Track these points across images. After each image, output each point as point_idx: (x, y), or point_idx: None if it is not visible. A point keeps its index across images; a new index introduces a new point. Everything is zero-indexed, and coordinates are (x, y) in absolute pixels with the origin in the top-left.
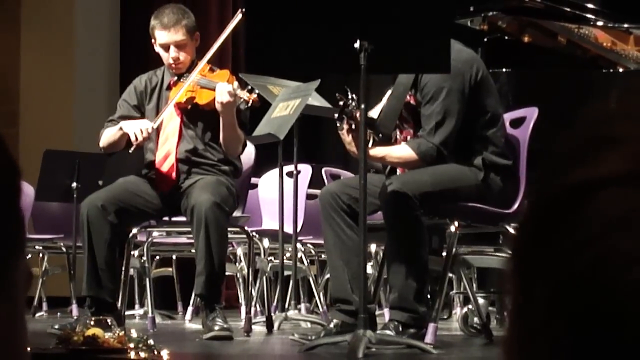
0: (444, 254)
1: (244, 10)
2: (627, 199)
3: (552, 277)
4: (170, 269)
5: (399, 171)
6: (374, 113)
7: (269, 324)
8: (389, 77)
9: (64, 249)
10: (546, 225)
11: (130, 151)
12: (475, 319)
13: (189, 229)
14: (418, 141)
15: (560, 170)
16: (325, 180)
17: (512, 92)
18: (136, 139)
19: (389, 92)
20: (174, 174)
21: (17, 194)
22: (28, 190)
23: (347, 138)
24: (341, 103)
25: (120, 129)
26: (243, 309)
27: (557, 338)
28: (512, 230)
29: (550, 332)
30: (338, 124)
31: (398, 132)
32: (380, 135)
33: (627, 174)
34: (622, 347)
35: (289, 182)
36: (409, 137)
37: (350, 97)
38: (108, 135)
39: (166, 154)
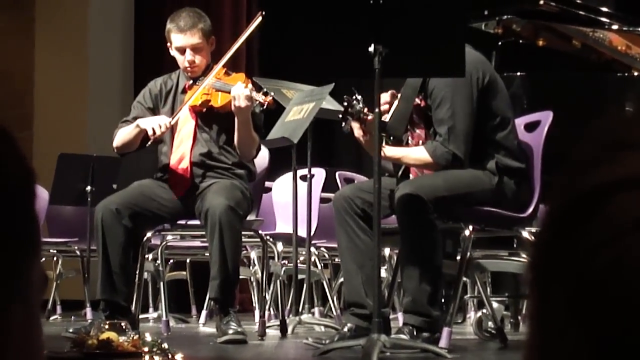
0: (458, 258)
1: (263, 13)
2: None
3: (570, 280)
4: (184, 273)
5: (411, 175)
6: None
7: (283, 327)
8: (402, 80)
9: (78, 253)
10: (564, 229)
11: (147, 145)
12: (490, 323)
13: (203, 233)
14: (435, 145)
15: (578, 175)
16: (339, 184)
17: (527, 96)
18: (154, 132)
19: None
20: (188, 178)
21: (33, 197)
22: (42, 194)
23: (362, 140)
24: (345, 103)
25: (137, 126)
26: (257, 312)
27: (575, 342)
28: (526, 234)
29: (568, 336)
30: (343, 125)
31: (409, 136)
32: (391, 137)
33: None
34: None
35: (302, 186)
36: (420, 142)
37: (355, 97)
38: (123, 134)
39: (181, 157)
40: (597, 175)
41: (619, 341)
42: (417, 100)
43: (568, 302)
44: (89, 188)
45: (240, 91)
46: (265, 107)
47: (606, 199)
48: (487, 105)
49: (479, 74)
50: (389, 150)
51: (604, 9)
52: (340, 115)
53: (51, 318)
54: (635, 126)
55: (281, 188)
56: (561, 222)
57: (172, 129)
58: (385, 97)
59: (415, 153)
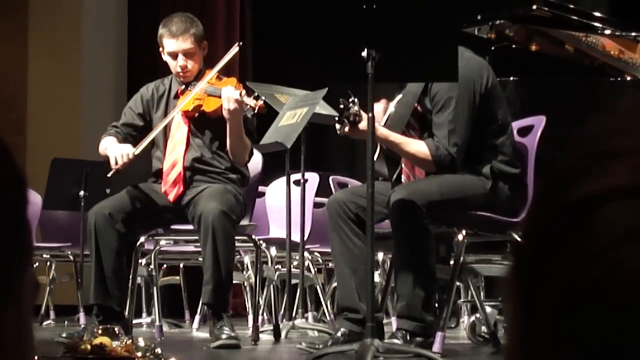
0: (452, 262)
1: (241, 43)
2: (634, 211)
3: (560, 290)
4: (177, 278)
5: (404, 179)
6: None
7: (277, 332)
8: (396, 84)
9: (71, 258)
10: (552, 240)
11: (108, 175)
12: (483, 328)
13: (197, 238)
14: (437, 144)
15: (565, 184)
16: (333, 189)
17: (520, 101)
18: (116, 163)
19: (397, 98)
20: (181, 183)
21: (24, 203)
22: (35, 199)
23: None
24: (342, 106)
25: (106, 149)
26: (250, 317)
27: (566, 352)
28: (518, 240)
29: (558, 346)
30: (338, 127)
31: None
32: None
33: (633, 186)
34: None
35: (296, 191)
36: None
37: (351, 100)
38: (101, 148)
39: (173, 162)
40: (585, 185)
41: (613, 352)
42: (414, 104)
43: (557, 313)
44: (82, 193)
45: (230, 94)
46: (256, 111)
47: (596, 209)
48: (488, 110)
49: (482, 80)
50: (387, 134)
51: (597, 14)
52: (337, 118)
53: (44, 323)
54: (623, 135)
55: (274, 193)
56: (549, 231)
57: (165, 134)
58: (377, 107)
59: (416, 145)
